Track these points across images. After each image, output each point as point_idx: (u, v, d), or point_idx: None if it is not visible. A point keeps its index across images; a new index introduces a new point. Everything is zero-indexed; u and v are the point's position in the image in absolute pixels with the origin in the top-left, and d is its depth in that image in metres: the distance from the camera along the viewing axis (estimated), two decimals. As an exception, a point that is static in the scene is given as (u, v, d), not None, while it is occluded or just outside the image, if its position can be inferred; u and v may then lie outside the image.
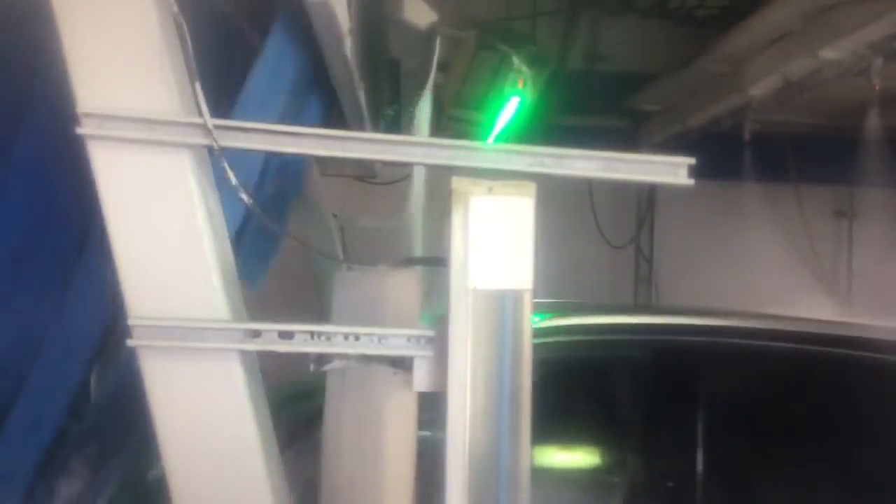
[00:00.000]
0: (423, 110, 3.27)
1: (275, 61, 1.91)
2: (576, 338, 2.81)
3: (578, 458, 3.01)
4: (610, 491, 2.83)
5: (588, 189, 6.53)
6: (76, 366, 1.82)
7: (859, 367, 2.85)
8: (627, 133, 6.72)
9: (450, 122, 5.34)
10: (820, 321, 3.26)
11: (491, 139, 5.33)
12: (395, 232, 3.73)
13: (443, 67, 4.25)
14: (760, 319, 3.13)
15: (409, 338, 1.59)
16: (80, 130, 1.48)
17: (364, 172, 4.93)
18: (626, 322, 2.99)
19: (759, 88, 5.12)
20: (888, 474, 2.80)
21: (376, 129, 3.36)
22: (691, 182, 1.58)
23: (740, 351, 2.84)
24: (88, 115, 1.48)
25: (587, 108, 6.33)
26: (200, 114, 1.52)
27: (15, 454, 1.78)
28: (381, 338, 1.59)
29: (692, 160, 1.58)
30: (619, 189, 6.76)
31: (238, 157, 1.63)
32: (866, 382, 2.85)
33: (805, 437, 2.91)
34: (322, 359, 1.70)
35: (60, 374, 1.80)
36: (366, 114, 2.85)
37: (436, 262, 1.77)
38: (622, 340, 2.87)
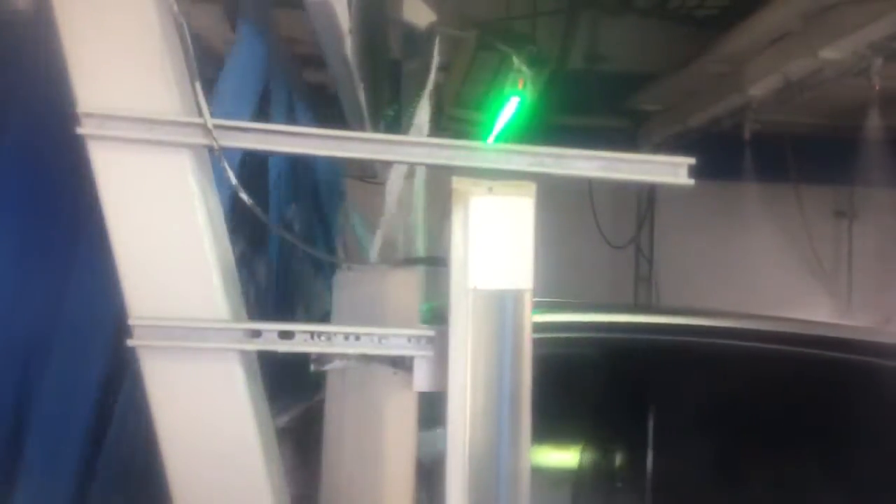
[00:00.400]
0: (423, 110, 3.28)
1: (242, 64, 1.92)
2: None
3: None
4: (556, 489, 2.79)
5: (588, 189, 6.53)
6: (92, 362, 1.82)
7: (818, 366, 2.80)
8: (627, 133, 6.72)
9: (450, 122, 5.35)
10: (776, 318, 3.20)
11: (491, 139, 5.33)
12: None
13: (443, 67, 4.25)
14: (710, 317, 3.07)
15: (409, 338, 1.59)
16: (80, 130, 1.48)
17: (365, 172, 4.94)
18: (570, 320, 2.92)
19: (760, 88, 5.12)
20: (840, 472, 2.77)
21: (376, 129, 3.36)
22: (691, 182, 1.58)
23: (687, 349, 2.79)
24: (88, 114, 1.48)
25: (587, 108, 6.33)
26: (200, 114, 1.52)
27: (51, 451, 1.78)
28: (381, 338, 1.59)
29: (692, 160, 1.58)
30: (620, 189, 6.76)
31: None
32: (824, 381, 2.81)
33: (760, 435, 2.85)
34: (322, 358, 1.70)
35: (78, 371, 1.81)
36: (366, 114, 2.85)
37: (436, 262, 1.77)
38: (567, 338, 2.80)
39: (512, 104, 5.10)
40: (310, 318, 2.83)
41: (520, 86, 4.91)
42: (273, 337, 1.57)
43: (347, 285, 1.92)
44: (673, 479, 2.74)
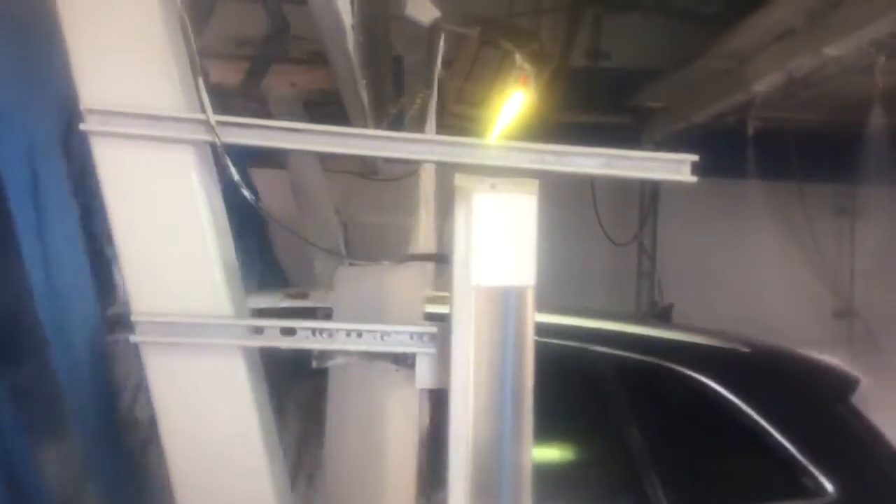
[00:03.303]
0: (427, 107, 3.27)
1: None
2: None
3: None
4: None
5: (591, 186, 6.52)
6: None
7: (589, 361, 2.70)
8: (630, 130, 6.70)
9: (452, 119, 5.34)
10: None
11: (494, 136, 5.32)
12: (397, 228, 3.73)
13: (446, 64, 4.25)
14: None
15: (411, 334, 1.59)
16: (83, 127, 1.48)
17: (366, 169, 4.94)
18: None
19: (763, 85, 5.10)
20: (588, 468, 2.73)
21: (379, 125, 3.36)
22: (694, 179, 1.57)
23: None
24: (91, 111, 1.48)
25: (590, 105, 6.32)
26: (203, 110, 1.52)
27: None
28: (383, 334, 1.59)
29: (695, 157, 1.57)
30: (622, 186, 6.75)
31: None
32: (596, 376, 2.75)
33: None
34: (324, 355, 1.70)
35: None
36: (368, 110, 2.85)
37: (438, 259, 1.77)
38: None
39: (515, 101, 5.09)
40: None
41: (523, 83, 4.90)
42: (275, 333, 1.57)
43: (349, 281, 1.92)
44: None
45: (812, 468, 2.57)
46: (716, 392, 2.65)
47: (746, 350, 2.94)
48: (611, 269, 7.05)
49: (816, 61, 4.58)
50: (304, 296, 2.50)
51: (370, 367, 1.75)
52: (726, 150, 5.37)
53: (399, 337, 1.59)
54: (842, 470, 2.60)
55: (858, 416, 2.79)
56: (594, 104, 6.34)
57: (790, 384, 2.84)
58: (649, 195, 7.00)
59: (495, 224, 1.45)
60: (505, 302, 1.45)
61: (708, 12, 5.85)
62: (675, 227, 6.98)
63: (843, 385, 2.84)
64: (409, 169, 4.40)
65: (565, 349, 2.65)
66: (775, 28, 4.77)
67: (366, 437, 1.83)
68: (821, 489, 2.56)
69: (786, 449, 2.60)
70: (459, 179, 1.48)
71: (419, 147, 1.65)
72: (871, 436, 2.77)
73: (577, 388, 2.69)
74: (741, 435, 2.65)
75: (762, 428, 2.62)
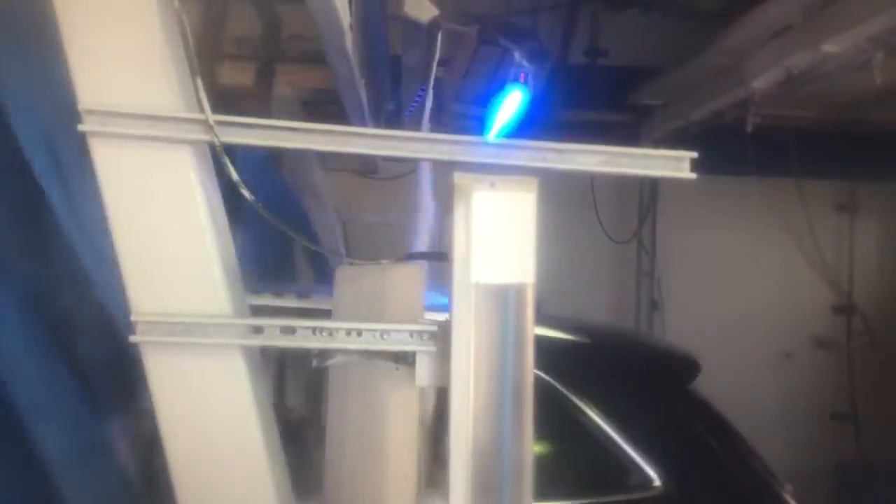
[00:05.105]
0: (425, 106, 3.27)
1: None
2: None
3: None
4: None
5: (590, 184, 6.52)
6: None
7: None
8: (629, 128, 6.70)
9: (451, 118, 5.35)
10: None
11: (492, 134, 5.33)
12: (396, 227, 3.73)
13: (444, 62, 4.25)
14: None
15: (411, 333, 1.59)
16: (81, 127, 1.48)
17: (366, 168, 4.94)
18: None
19: (761, 82, 5.10)
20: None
21: (377, 123, 3.36)
22: (693, 176, 1.58)
23: None
24: (90, 111, 1.48)
25: (589, 102, 6.31)
26: (202, 110, 1.52)
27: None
28: (383, 333, 1.59)
29: (694, 154, 1.58)
30: (622, 184, 6.75)
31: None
32: None
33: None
34: (324, 354, 1.70)
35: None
36: (367, 109, 2.85)
37: (438, 257, 1.77)
38: None
39: (513, 99, 5.09)
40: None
41: (521, 81, 4.90)
42: (275, 332, 1.57)
43: (349, 280, 1.92)
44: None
45: (640, 461, 2.56)
46: (547, 384, 2.63)
47: (587, 341, 2.92)
48: (610, 266, 7.05)
49: (814, 58, 4.58)
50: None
51: (370, 366, 1.75)
52: (725, 147, 5.37)
53: (399, 335, 1.59)
54: (670, 461, 2.60)
55: (697, 403, 2.77)
56: (593, 102, 6.33)
57: (627, 374, 2.84)
58: (649, 193, 7.00)
59: (495, 222, 1.46)
60: (504, 299, 1.45)
61: (706, 9, 5.84)
62: (674, 225, 6.98)
63: (683, 372, 2.83)
64: (409, 167, 4.41)
65: None
66: (773, 25, 4.76)
67: (366, 436, 1.83)
68: (647, 481, 2.55)
69: (614, 442, 2.58)
70: (459, 178, 1.48)
71: (419, 145, 1.65)
72: (707, 423, 2.75)
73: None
74: (572, 428, 2.63)
75: (592, 421, 2.61)
